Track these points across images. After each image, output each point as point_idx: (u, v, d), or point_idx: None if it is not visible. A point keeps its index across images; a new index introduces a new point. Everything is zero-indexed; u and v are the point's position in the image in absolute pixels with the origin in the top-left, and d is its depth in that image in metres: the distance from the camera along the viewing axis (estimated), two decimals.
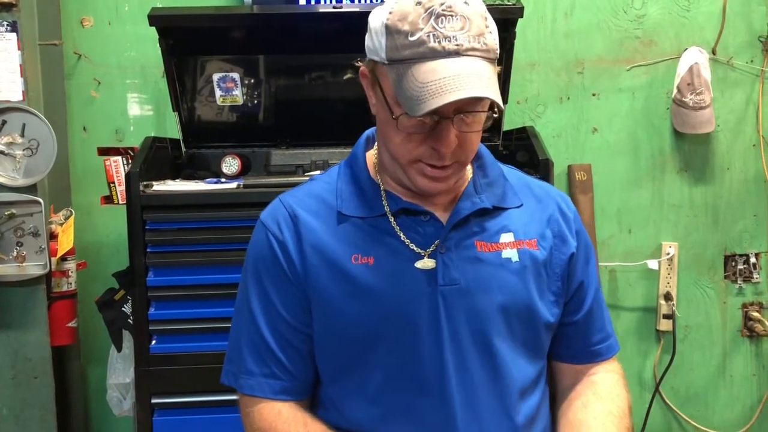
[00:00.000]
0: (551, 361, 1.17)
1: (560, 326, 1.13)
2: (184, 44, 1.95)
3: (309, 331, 1.06)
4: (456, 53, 0.90)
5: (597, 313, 1.15)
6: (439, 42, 0.90)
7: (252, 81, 2.07)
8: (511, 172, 1.15)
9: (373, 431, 1.03)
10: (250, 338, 1.06)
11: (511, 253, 1.05)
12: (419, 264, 1.01)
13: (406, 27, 0.91)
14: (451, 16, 0.91)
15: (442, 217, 1.05)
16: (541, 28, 2.35)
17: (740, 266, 2.46)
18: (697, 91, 2.28)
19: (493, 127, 2.10)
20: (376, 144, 1.11)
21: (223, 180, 1.88)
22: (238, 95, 2.06)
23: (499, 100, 0.91)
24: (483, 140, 2.20)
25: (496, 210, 1.07)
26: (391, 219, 1.04)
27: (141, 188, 1.74)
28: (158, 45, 1.89)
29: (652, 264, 2.39)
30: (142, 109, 2.29)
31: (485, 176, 1.10)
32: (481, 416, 1.01)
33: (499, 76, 0.96)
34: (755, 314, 2.45)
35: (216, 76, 2.04)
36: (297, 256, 1.04)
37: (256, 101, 2.08)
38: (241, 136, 2.12)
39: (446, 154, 0.96)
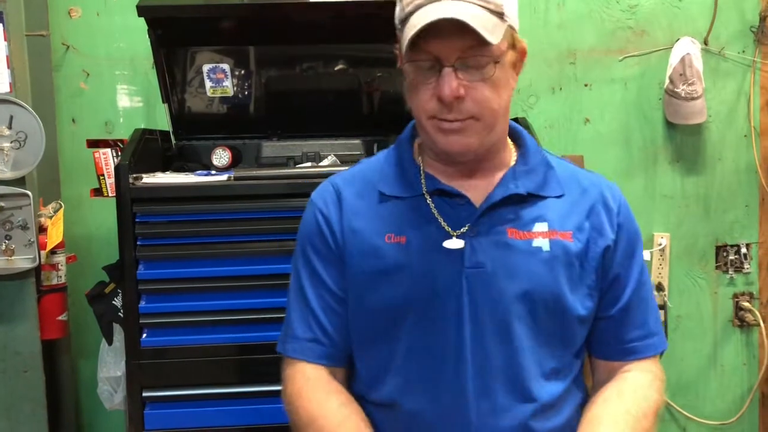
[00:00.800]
0: (590, 355, 1.17)
1: (596, 320, 1.12)
2: (174, 35, 1.93)
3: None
4: None
5: (638, 308, 1.12)
6: None
7: (242, 72, 2.05)
8: (559, 162, 1.16)
9: (394, 400, 1.08)
10: (299, 307, 1.14)
11: (542, 242, 1.06)
12: (447, 243, 1.05)
13: None
14: None
15: (477, 201, 1.07)
16: (534, 19, 2.34)
17: (731, 257, 2.47)
18: (689, 82, 2.28)
19: None
20: None
21: (213, 172, 1.87)
22: (229, 86, 2.04)
23: (481, 30, 0.94)
24: None
25: (533, 197, 1.09)
26: (428, 199, 1.09)
27: (131, 181, 1.72)
28: (147, 36, 1.87)
29: (644, 254, 2.39)
30: (132, 101, 2.27)
31: (525, 163, 1.12)
32: (492, 397, 1.04)
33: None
34: (746, 304, 2.46)
35: (206, 68, 2.03)
36: (339, 231, 1.11)
37: (246, 92, 2.06)
38: (231, 128, 2.10)
39: (451, 102, 0.99)
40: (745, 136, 2.44)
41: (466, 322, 1.04)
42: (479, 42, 0.95)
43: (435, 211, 1.07)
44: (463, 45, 0.96)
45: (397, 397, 1.07)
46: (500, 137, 1.10)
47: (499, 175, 1.10)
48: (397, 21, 1.03)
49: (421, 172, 1.11)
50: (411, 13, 0.98)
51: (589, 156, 2.39)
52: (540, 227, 1.07)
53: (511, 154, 1.13)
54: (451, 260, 1.05)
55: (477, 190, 1.09)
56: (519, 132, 1.16)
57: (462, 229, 1.06)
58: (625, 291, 1.11)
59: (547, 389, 1.06)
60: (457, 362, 1.04)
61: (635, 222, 1.15)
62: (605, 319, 1.12)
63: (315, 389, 1.10)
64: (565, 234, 1.07)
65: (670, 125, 2.40)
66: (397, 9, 1.03)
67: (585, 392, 1.16)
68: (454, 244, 1.04)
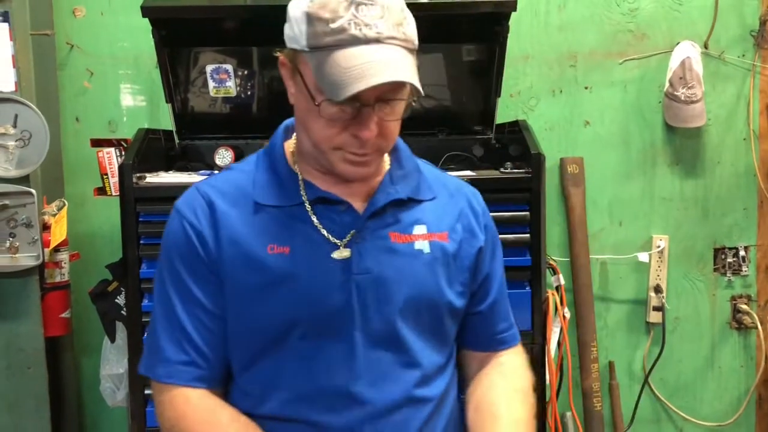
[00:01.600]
0: (461, 349, 1.23)
1: (467, 316, 1.18)
2: (178, 35, 1.95)
3: (226, 316, 1.07)
4: (376, 41, 0.93)
5: (501, 303, 1.21)
6: (360, 29, 0.93)
7: (245, 72, 2.07)
8: (425, 167, 1.19)
9: (284, 414, 1.05)
10: (168, 327, 1.06)
11: (422, 245, 1.09)
12: (335, 254, 1.04)
13: (326, 14, 0.93)
14: (371, 5, 0.94)
15: (359, 207, 1.08)
16: (535, 21, 2.36)
17: (729, 259, 2.48)
18: (689, 85, 2.30)
19: (486, 120, 2.11)
20: (294, 134, 1.12)
21: (216, 172, 1.88)
22: (232, 87, 2.06)
23: (418, 85, 0.94)
24: (476, 134, 2.20)
25: (411, 201, 1.11)
26: (308, 208, 1.06)
27: (134, 180, 1.74)
28: (151, 36, 1.89)
29: (643, 256, 2.41)
30: (135, 100, 2.29)
31: (401, 168, 1.14)
32: (387, 401, 1.05)
33: (418, 67, 0.98)
34: (744, 306, 2.48)
35: (209, 68, 2.04)
36: (213, 243, 1.04)
37: (249, 93, 2.08)
38: (234, 128, 2.12)
39: (367, 142, 0.99)
40: (745, 139, 2.46)
41: (357, 329, 1.04)
42: (400, 86, 0.95)
43: (316, 220, 1.05)
44: (384, 89, 0.94)
45: (288, 412, 1.04)
46: None
47: (377, 179, 1.10)
48: (304, 41, 0.95)
49: (300, 179, 1.08)
50: (331, 47, 0.93)
51: (589, 158, 2.40)
52: (419, 230, 1.09)
53: (385, 159, 1.13)
54: (339, 268, 1.03)
55: (357, 196, 1.08)
56: None
57: (347, 237, 1.05)
58: (492, 288, 1.19)
59: (436, 387, 1.11)
60: (348, 370, 1.03)
61: (494, 223, 1.21)
62: (477, 315, 1.19)
63: (199, 409, 1.04)
64: (441, 235, 1.11)
65: (669, 128, 2.42)
66: (305, 28, 0.95)
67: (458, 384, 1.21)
68: (342, 254, 1.03)
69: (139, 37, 2.21)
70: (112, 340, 1.93)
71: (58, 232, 1.96)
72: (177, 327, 1.05)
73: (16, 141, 1.87)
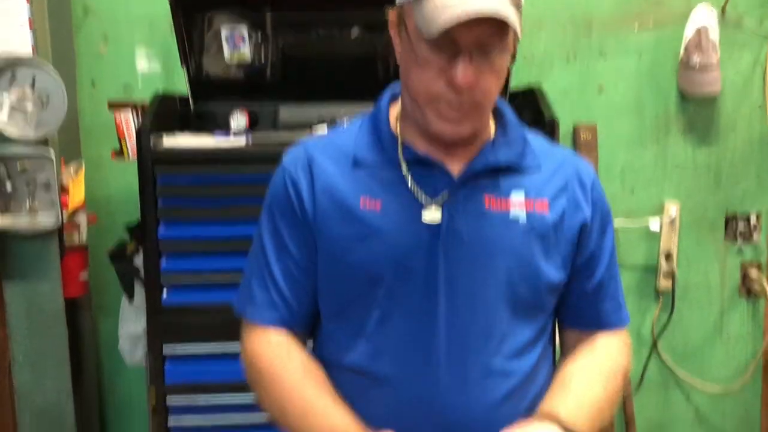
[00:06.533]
0: (562, 326, 1.20)
1: (570, 294, 1.15)
2: None
3: (313, 269, 1.11)
4: None
5: (609, 284, 1.16)
6: None
7: (260, 36, 2.06)
8: (533, 137, 1.16)
9: (363, 367, 1.07)
10: (259, 270, 1.13)
11: (519, 213, 1.06)
12: (426, 216, 1.04)
13: None
14: None
15: (456, 171, 1.07)
16: None
17: (741, 227, 2.49)
18: (705, 52, 2.28)
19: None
20: (399, 98, 1.13)
21: (231, 133, 1.90)
22: (246, 51, 2.06)
23: (517, 27, 0.94)
24: None
25: (511, 170, 1.09)
26: (404, 168, 1.07)
27: (151, 143, 1.76)
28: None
29: (654, 224, 2.42)
30: (150, 64, 2.29)
31: (505, 135, 1.11)
32: (464, 371, 1.04)
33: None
34: (754, 274, 2.49)
35: (224, 32, 2.04)
36: (308, 196, 1.09)
37: (264, 57, 2.08)
38: (249, 92, 2.12)
39: (462, 89, 0.97)
40: (760, 107, 2.44)
41: (441, 292, 1.04)
42: (499, 31, 0.94)
43: (410, 180, 1.06)
44: (482, 32, 0.94)
45: (366, 365, 1.07)
46: (487, 119, 1.11)
47: (478, 146, 1.09)
48: None
49: (398, 140, 1.09)
50: None
51: (602, 125, 2.40)
52: (517, 197, 1.07)
53: (491, 126, 1.13)
54: (428, 229, 1.04)
55: (455, 160, 1.07)
56: (498, 104, 1.15)
57: (439, 199, 1.05)
58: (599, 268, 1.15)
59: (523, 363, 1.08)
60: (429, 333, 1.04)
61: (606, 199, 1.17)
62: (580, 294, 1.15)
63: (275, 350, 1.10)
64: (541, 204, 1.08)
65: (683, 96, 2.40)
66: None
67: (554, 361, 1.18)
68: (431, 215, 1.03)
69: (154, 1, 2.21)
70: (131, 299, 1.97)
71: (77, 194, 1.99)
72: (267, 273, 1.11)
73: (34, 104, 1.88)
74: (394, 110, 1.14)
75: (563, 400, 1.04)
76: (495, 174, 1.08)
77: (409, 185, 1.06)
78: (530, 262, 1.06)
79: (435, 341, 1.04)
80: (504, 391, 1.05)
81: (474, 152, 1.09)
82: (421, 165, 1.07)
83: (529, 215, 1.07)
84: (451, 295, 1.04)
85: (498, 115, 1.14)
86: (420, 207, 1.05)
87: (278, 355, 1.10)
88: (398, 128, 1.11)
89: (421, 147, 1.08)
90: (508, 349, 1.06)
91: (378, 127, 1.12)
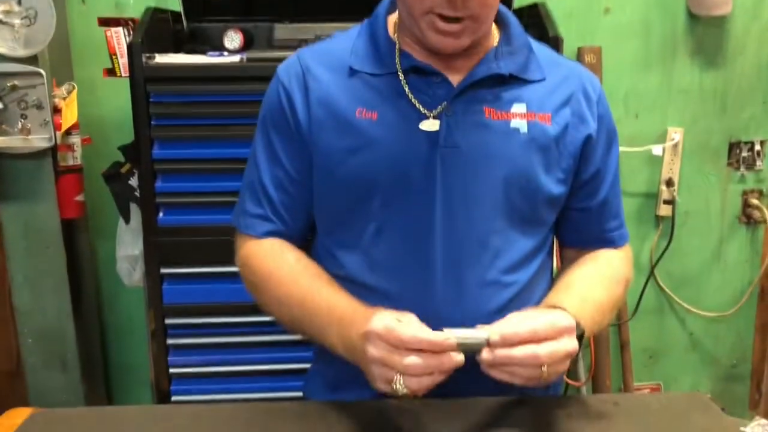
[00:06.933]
0: (564, 245, 1.20)
1: (572, 211, 1.14)
2: None
3: (306, 182, 1.10)
4: None
5: (612, 202, 1.16)
6: None
7: None
8: (539, 46, 1.13)
9: (360, 278, 1.07)
10: (251, 182, 1.13)
11: (520, 124, 1.04)
12: (423, 124, 1.02)
13: None
14: None
15: (456, 81, 1.04)
16: None
17: (744, 153, 2.46)
18: None
19: (503, 2, 2.04)
20: (398, 8, 1.08)
21: (225, 54, 1.85)
22: None
23: None
24: None
25: (514, 79, 1.05)
26: (401, 77, 1.04)
27: (144, 60, 1.71)
28: None
29: (657, 149, 2.39)
30: None
31: (509, 44, 1.08)
32: (460, 282, 1.04)
33: None
34: (754, 201, 2.47)
35: None
36: (302, 107, 1.06)
37: None
38: (243, 10, 2.06)
39: (457, 1, 0.93)
40: None
41: (437, 202, 1.02)
42: None
43: (408, 89, 1.03)
44: None
45: (363, 277, 1.07)
46: (488, 28, 1.07)
47: (480, 54, 1.06)
48: None
49: (397, 49, 1.06)
50: None
51: (607, 47, 2.34)
52: (518, 108, 1.04)
53: (494, 34, 1.09)
54: (425, 139, 1.02)
55: (456, 70, 1.05)
56: (503, 12, 1.11)
57: (438, 109, 1.03)
58: (603, 185, 1.13)
59: (520, 275, 1.08)
60: (426, 244, 1.03)
61: (612, 115, 1.14)
62: (583, 211, 1.14)
63: (268, 250, 1.11)
64: (543, 116, 1.05)
65: (692, 17, 2.33)
66: None
67: (553, 276, 1.18)
68: (429, 125, 1.01)
69: None
70: (127, 221, 1.96)
71: (69, 115, 1.96)
72: (259, 185, 1.12)
73: (22, 19, 1.83)
74: (392, 18, 1.10)
75: (567, 296, 1.04)
76: (496, 85, 1.05)
77: (408, 96, 1.03)
78: (529, 172, 1.04)
79: (431, 252, 1.03)
80: (500, 303, 1.05)
81: (475, 61, 1.05)
82: (419, 74, 1.04)
83: (530, 125, 1.04)
84: (447, 206, 1.03)
85: (502, 23, 1.11)
86: (418, 117, 1.02)
87: (270, 253, 1.10)
88: (396, 37, 1.07)
89: (419, 55, 1.05)
90: (505, 260, 1.06)
91: (375, 35, 1.08)
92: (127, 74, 1.76)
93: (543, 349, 0.87)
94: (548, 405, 1.04)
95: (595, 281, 1.10)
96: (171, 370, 1.85)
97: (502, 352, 0.87)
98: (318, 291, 1.04)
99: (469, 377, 0.90)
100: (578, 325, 0.94)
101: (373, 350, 0.88)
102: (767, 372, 2.57)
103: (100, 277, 2.34)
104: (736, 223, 2.52)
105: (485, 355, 0.87)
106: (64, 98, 1.97)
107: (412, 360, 0.84)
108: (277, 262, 1.09)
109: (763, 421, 0.99)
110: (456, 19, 0.96)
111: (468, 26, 0.98)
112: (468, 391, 1.02)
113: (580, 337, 0.94)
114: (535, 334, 0.88)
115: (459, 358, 0.86)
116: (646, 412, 1.03)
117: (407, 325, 0.88)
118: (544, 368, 0.87)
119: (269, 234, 1.12)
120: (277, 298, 1.08)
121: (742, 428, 0.98)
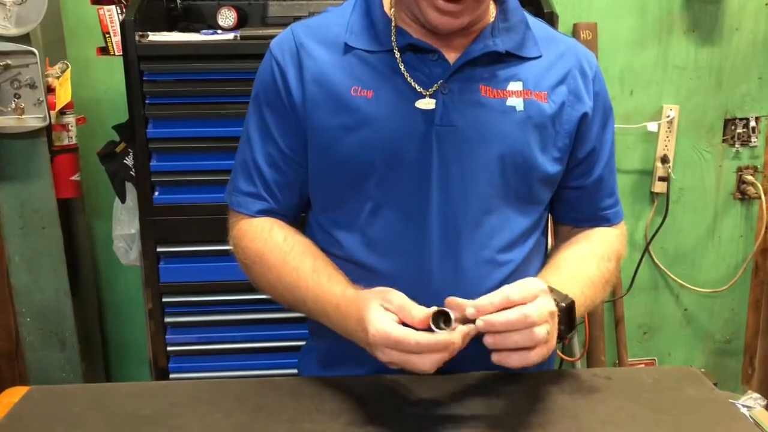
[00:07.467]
0: (559, 223, 1.20)
1: (568, 190, 1.14)
2: None
3: (300, 160, 1.09)
4: None
5: (608, 179, 1.15)
6: None
7: None
8: (536, 23, 1.11)
9: (356, 257, 1.07)
10: (244, 160, 1.12)
11: (516, 102, 1.03)
12: (419, 103, 1.01)
13: None
14: None
15: (451, 58, 1.03)
16: None
17: (739, 130, 2.46)
18: None
19: None
20: None
21: (219, 32, 1.84)
22: None
23: None
24: None
25: (510, 57, 1.05)
26: (397, 55, 1.03)
27: (137, 38, 1.71)
28: None
29: (652, 126, 2.39)
30: None
31: (506, 20, 1.06)
32: (456, 259, 1.04)
33: None
34: (749, 177, 2.48)
35: None
36: (296, 84, 1.05)
37: None
38: None
39: None
40: (766, 4, 2.37)
41: (433, 181, 1.02)
42: None
43: (403, 67, 1.02)
44: None
45: (358, 254, 1.06)
46: (487, 6, 1.05)
47: (477, 31, 1.04)
48: None
49: (393, 25, 1.04)
50: None
51: (603, 24, 2.33)
52: (514, 86, 1.03)
53: (490, 10, 1.08)
54: (421, 117, 1.01)
55: (452, 47, 1.03)
56: None
57: (434, 87, 1.01)
58: (599, 163, 1.13)
59: (512, 255, 1.07)
60: (421, 223, 1.03)
61: (608, 92, 1.14)
62: (578, 189, 1.14)
63: (259, 229, 1.09)
64: (540, 95, 1.04)
65: None
66: None
67: (547, 254, 1.18)
68: (425, 104, 1.00)
69: None
70: (123, 200, 1.96)
71: (63, 94, 1.95)
72: (252, 163, 1.10)
73: None
74: None
75: (556, 274, 1.04)
76: (493, 62, 1.04)
77: (404, 74, 1.02)
78: (525, 151, 1.04)
79: (427, 231, 1.03)
80: (495, 281, 1.05)
81: (472, 38, 1.04)
82: (415, 51, 1.03)
83: (526, 103, 1.04)
84: (443, 185, 1.02)
85: None
86: (414, 95, 1.02)
87: (260, 234, 1.09)
88: (392, 13, 1.06)
89: (415, 32, 1.04)
90: (500, 239, 1.06)
91: (371, 12, 1.07)
92: (121, 53, 1.75)
93: (530, 309, 0.87)
94: (541, 379, 1.05)
95: (587, 258, 1.10)
96: (169, 348, 1.87)
97: (494, 318, 0.86)
98: (305, 277, 1.03)
99: (465, 354, 0.90)
100: (566, 296, 0.95)
101: (383, 356, 0.89)
102: (760, 347, 2.59)
103: (97, 256, 2.35)
104: (731, 199, 2.53)
105: (479, 323, 0.87)
106: (58, 77, 1.96)
107: (423, 357, 0.86)
108: (266, 244, 1.08)
109: (755, 395, 1.00)
110: None
111: (468, 5, 0.97)
112: (465, 370, 1.03)
113: (571, 308, 0.95)
114: (508, 300, 0.88)
115: (459, 342, 0.87)
116: (637, 386, 1.04)
117: (404, 312, 0.89)
118: (537, 329, 0.86)
119: (261, 212, 1.11)
120: (267, 281, 1.08)
121: (732, 401, 1.00)
